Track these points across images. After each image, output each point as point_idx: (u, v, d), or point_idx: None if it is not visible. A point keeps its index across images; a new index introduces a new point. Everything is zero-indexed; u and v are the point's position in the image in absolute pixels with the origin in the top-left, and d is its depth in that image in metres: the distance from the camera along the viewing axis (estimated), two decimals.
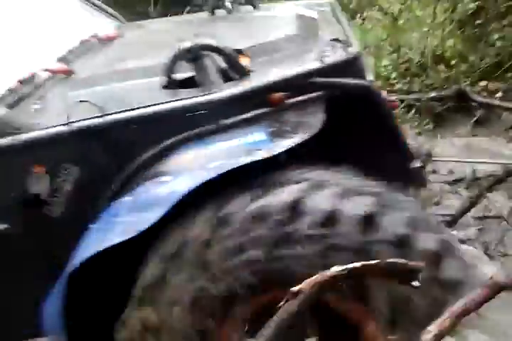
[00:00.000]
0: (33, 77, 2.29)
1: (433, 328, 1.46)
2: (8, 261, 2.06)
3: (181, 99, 2.07)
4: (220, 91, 2.06)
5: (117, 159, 2.04)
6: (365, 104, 2.15)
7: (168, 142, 2.01)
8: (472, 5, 5.56)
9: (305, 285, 1.27)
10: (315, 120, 2.00)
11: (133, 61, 2.46)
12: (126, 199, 1.97)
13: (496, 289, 1.55)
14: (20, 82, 2.24)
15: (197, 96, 2.06)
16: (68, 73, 2.37)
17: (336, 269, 1.31)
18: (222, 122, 2.02)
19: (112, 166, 2.04)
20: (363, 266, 1.34)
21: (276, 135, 1.98)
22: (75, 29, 2.89)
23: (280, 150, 1.90)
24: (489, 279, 1.54)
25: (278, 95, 2.02)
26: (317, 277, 1.29)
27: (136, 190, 1.98)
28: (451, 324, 1.48)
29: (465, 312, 1.51)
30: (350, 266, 1.32)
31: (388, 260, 1.35)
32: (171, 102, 2.06)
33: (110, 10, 3.43)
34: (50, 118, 2.09)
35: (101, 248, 1.83)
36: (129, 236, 1.82)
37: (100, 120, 2.03)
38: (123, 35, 3.02)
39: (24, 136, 2.02)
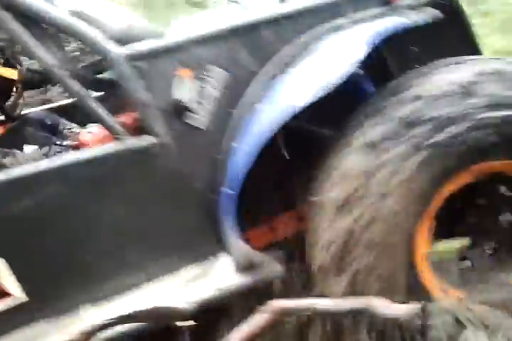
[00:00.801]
0: None
1: None
2: (157, 177, 1.93)
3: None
4: None
5: (264, 58, 2.03)
6: (452, 15, 2.28)
7: (307, 36, 2.08)
8: None
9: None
10: (426, 15, 2.17)
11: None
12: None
13: (279, 314, 1.74)
14: None
15: None
16: None
17: (107, 317, 1.55)
18: (352, 16, 2.13)
19: (259, 66, 2.02)
20: (134, 313, 1.57)
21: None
22: None
23: (422, 20, 2.10)
24: (271, 305, 1.74)
25: None
26: (88, 326, 1.53)
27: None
28: None
29: (249, 337, 1.72)
30: (121, 314, 1.56)
31: (156, 305, 1.58)
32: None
33: None
34: None
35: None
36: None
37: (247, 19, 2.05)
38: None
39: (169, 40, 1.96)
